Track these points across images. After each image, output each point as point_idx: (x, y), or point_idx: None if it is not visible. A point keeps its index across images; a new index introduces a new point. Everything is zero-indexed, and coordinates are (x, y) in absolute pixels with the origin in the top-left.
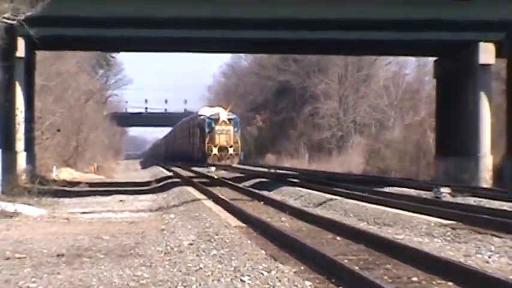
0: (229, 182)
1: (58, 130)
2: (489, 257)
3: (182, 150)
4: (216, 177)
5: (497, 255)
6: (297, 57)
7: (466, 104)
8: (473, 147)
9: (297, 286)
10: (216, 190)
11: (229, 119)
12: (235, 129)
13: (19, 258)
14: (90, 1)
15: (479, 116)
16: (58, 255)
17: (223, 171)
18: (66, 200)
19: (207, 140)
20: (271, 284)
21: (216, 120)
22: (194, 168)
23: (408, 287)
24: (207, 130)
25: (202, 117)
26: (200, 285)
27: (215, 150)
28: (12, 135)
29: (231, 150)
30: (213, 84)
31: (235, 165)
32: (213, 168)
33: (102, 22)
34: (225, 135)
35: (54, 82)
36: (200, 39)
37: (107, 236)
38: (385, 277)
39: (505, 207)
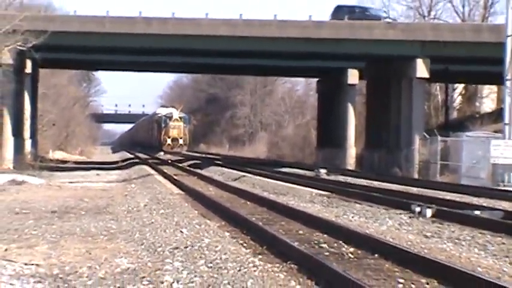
0: (174, 163)
1: (53, 124)
2: (352, 217)
3: (143, 140)
4: (169, 161)
5: (358, 216)
6: (222, 77)
7: (338, 111)
8: (342, 141)
9: (220, 236)
10: (165, 168)
11: (180, 117)
12: (185, 125)
13: (25, 213)
14: (77, 35)
15: (347, 120)
16: (52, 212)
17: (169, 156)
18: (59, 173)
19: (163, 133)
20: (202, 234)
21: (170, 118)
22: (150, 153)
23: (296, 237)
24: (163, 125)
25: (159, 115)
26: (152, 234)
27: (169, 141)
28: (22, 127)
29: (181, 141)
30: (163, 94)
31: (184, 152)
32: (162, 153)
33: (86, 50)
34: (177, 129)
35: (51, 91)
36: (154, 63)
37: (87, 199)
38: (280, 230)
39: (364, 183)
